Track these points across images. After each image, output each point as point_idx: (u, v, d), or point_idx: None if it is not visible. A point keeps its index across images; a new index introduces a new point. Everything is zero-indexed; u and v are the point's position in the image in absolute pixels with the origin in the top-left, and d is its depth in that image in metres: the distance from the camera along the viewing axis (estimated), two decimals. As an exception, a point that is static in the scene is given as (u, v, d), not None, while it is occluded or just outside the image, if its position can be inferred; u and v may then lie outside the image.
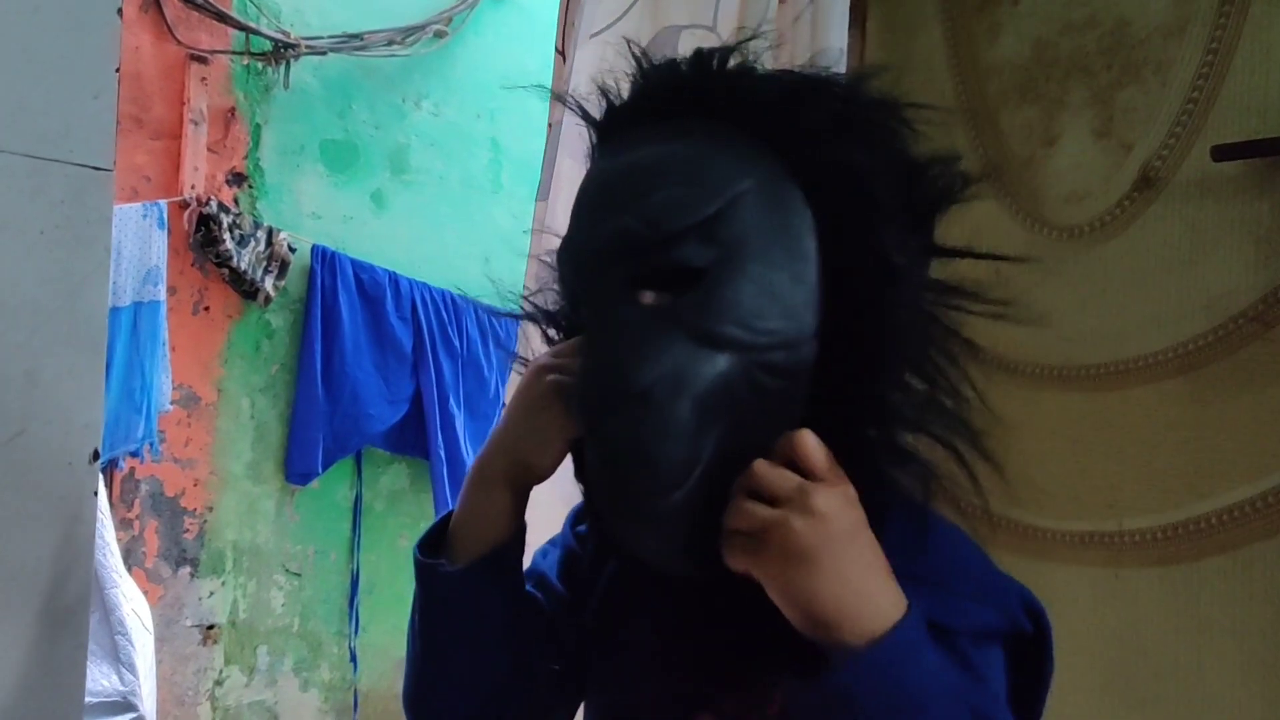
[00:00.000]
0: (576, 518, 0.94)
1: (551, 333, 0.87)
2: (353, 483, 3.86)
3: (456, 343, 4.03)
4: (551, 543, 0.95)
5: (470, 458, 4.05)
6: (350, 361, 3.70)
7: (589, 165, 0.78)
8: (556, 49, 1.84)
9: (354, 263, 3.75)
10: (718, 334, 0.66)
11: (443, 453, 3.94)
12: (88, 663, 1.09)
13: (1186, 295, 1.31)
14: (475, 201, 4.19)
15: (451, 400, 4.00)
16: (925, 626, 0.62)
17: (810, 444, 0.64)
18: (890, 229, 0.68)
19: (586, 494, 0.79)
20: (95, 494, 1.03)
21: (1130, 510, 1.31)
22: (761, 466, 0.64)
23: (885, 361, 0.68)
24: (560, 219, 1.75)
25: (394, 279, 3.84)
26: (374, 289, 3.79)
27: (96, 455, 1.02)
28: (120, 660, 2.00)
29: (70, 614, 0.99)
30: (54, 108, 0.99)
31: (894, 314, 0.68)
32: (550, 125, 1.85)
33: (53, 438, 0.98)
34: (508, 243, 4.26)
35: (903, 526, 0.68)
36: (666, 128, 0.72)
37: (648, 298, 0.68)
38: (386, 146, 3.95)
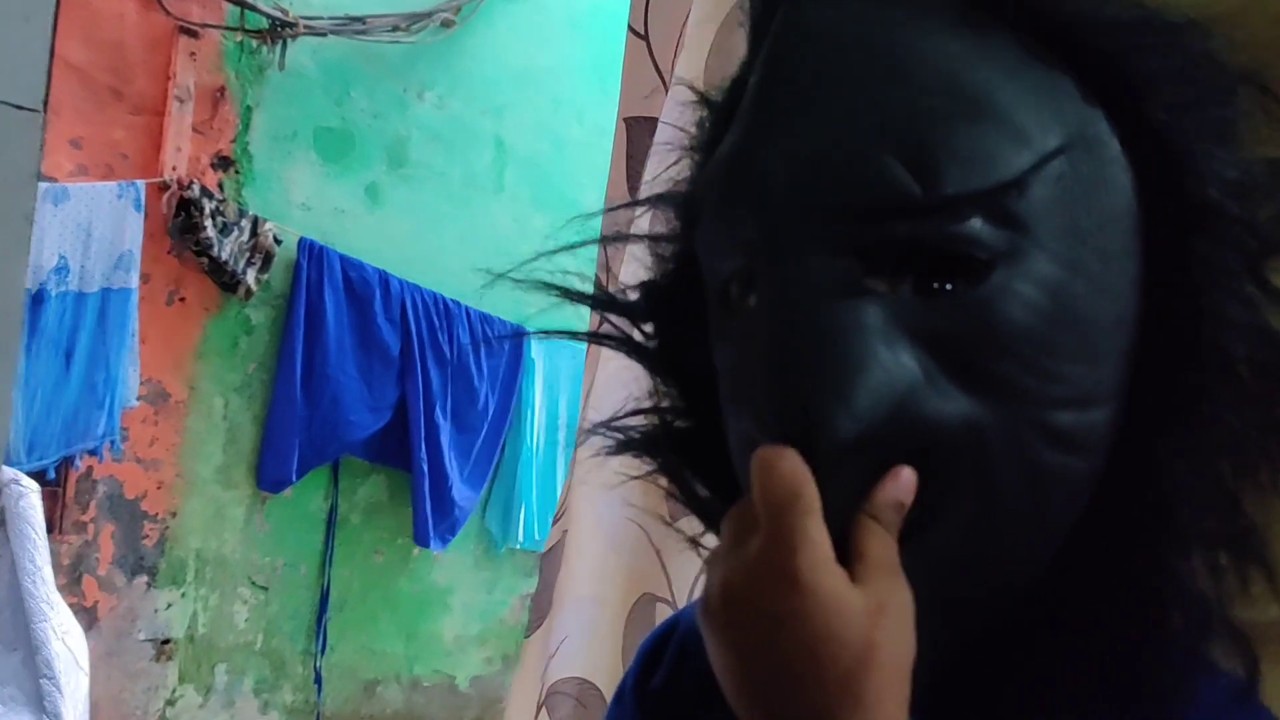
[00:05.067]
0: (648, 662, 0.64)
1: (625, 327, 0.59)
2: (328, 493, 3.65)
3: (446, 350, 3.83)
4: None
5: (454, 471, 3.85)
6: (333, 364, 3.50)
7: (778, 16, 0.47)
8: (636, 32, 1.56)
9: (343, 259, 3.55)
10: (986, 369, 0.43)
11: (425, 466, 3.75)
12: (6, 712, 0.87)
13: None
14: (476, 202, 3.99)
15: (438, 410, 3.80)
16: None
17: (759, 476, 0.41)
18: (1251, 249, 0.45)
19: None
20: None
21: None
22: (742, 500, 0.44)
23: (1225, 445, 0.44)
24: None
25: (384, 278, 3.64)
26: (362, 288, 3.59)
27: None
28: (44, 709, 1.77)
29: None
30: (-23, 34, 0.78)
31: (1242, 378, 0.44)
32: (629, 121, 1.53)
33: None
34: (507, 247, 4.06)
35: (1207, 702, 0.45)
36: (918, 4, 0.45)
37: (880, 287, 0.43)
38: (385, 138, 3.74)
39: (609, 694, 1.30)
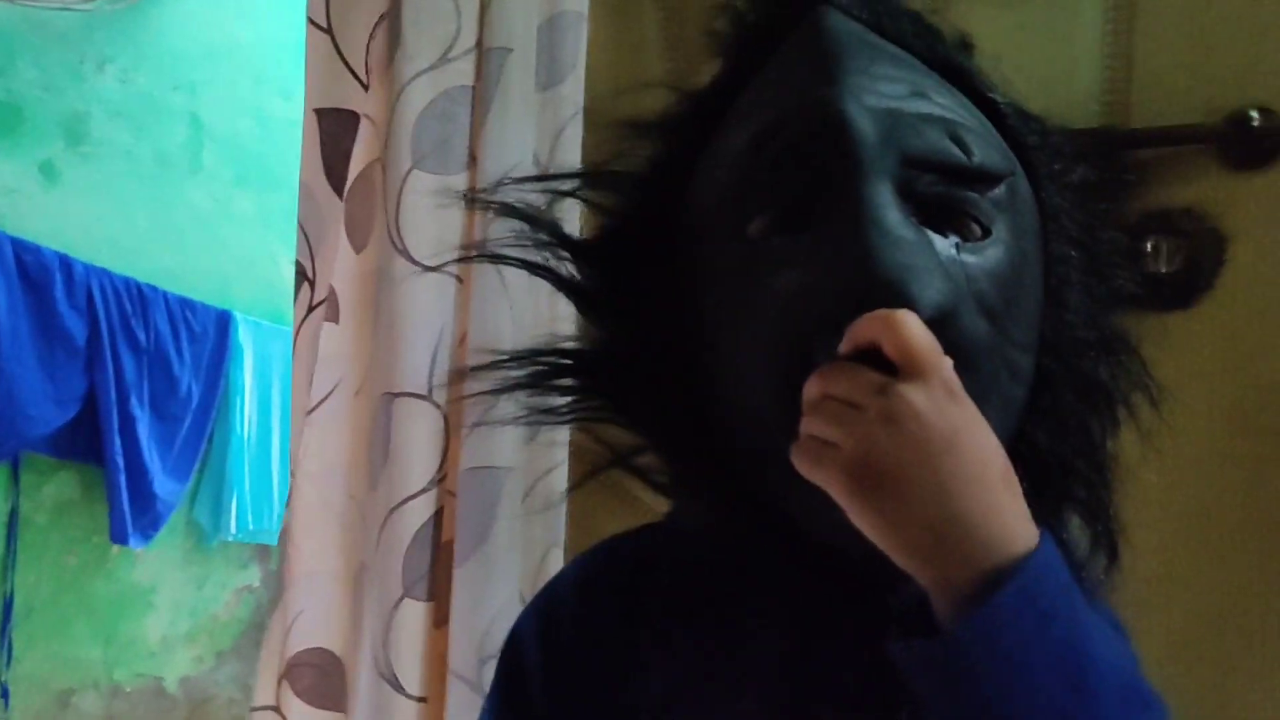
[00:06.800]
0: (546, 627, 0.70)
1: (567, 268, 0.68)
2: (8, 493, 3.40)
3: (141, 336, 3.64)
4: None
5: (154, 463, 3.68)
6: (7, 355, 3.25)
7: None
8: (318, 25, 1.50)
9: (15, 242, 3.29)
10: (990, 304, 0.56)
11: (121, 459, 3.56)
12: None
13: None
14: (170, 181, 3.80)
15: (133, 400, 3.61)
16: (1064, 565, 0.51)
17: (900, 328, 0.51)
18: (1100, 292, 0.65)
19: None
20: None
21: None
22: (834, 367, 0.52)
23: (1084, 396, 0.62)
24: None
25: (66, 263, 3.41)
26: (39, 273, 3.35)
27: None
28: None
29: None
30: None
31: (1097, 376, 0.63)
32: (320, 112, 1.50)
33: None
34: (206, 228, 3.90)
35: None
36: (906, 62, 0.62)
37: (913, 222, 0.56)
38: (60, 113, 3.49)
39: (346, 660, 1.41)
